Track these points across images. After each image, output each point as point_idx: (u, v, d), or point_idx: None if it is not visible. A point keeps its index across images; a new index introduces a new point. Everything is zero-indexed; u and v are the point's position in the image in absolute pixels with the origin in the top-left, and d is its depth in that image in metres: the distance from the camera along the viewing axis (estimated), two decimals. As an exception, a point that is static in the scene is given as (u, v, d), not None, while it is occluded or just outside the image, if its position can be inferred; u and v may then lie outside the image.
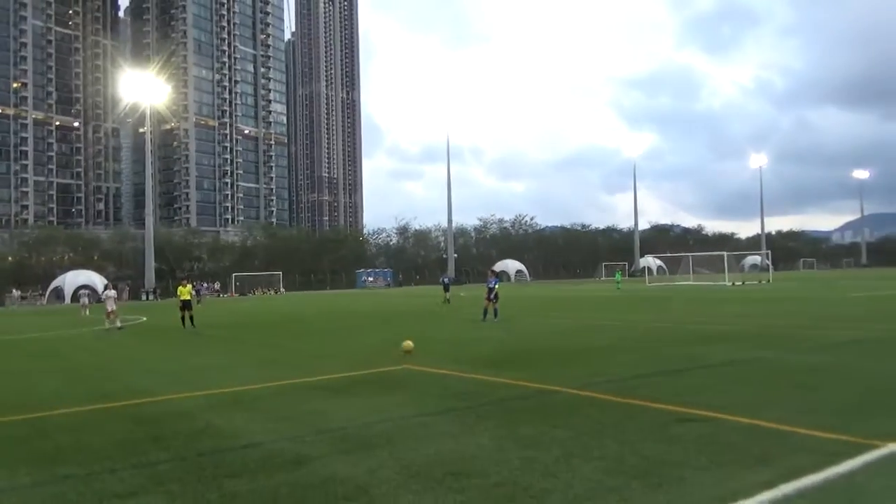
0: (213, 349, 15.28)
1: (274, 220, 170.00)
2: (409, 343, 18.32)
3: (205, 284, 76.80)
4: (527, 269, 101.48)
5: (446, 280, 33.45)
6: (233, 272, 78.90)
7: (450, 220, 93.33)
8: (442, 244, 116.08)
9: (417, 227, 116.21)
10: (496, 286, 20.83)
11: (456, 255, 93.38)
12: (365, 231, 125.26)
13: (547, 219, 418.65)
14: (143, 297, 64.30)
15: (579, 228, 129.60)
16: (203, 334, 19.53)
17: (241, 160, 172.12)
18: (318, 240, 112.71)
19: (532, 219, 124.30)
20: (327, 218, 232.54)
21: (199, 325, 21.72)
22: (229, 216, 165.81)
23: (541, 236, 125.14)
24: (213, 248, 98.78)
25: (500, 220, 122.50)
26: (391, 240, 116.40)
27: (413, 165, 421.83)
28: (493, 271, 22.48)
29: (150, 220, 71.34)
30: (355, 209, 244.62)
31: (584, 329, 17.43)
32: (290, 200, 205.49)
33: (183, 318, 21.73)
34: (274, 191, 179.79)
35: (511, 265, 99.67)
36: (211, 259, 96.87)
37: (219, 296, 72.71)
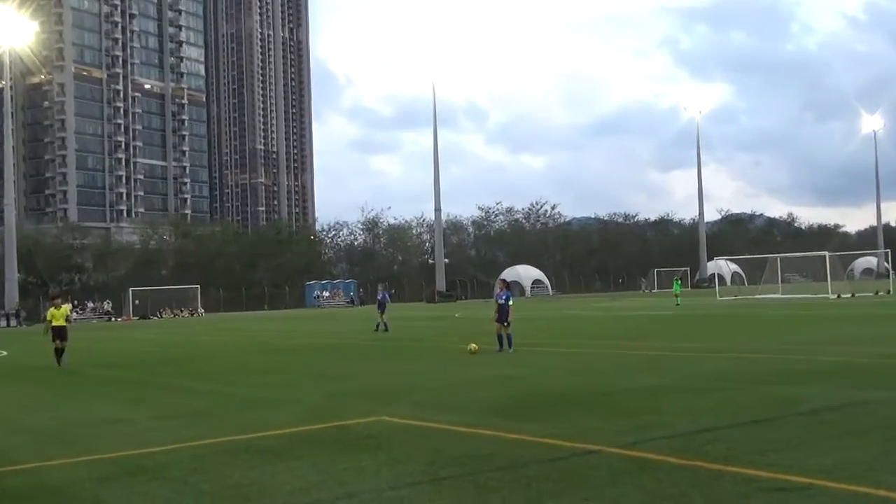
0: (104, 396, 15.24)
1: (188, 212, 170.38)
2: (474, 346, 18.80)
3: (89, 304, 76.89)
4: (547, 278, 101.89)
5: (382, 297, 33.55)
6: (129, 286, 78.84)
7: (437, 210, 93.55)
8: (427, 244, 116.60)
9: (392, 221, 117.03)
10: (509, 302, 20.93)
11: (447, 261, 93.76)
12: (318, 227, 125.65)
13: (576, 207, 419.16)
14: (3, 323, 64.03)
15: (621, 220, 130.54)
16: (85, 375, 19.44)
17: (140, 127, 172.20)
18: (252, 240, 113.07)
19: (554, 208, 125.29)
20: (264, 208, 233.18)
21: (73, 363, 21.64)
22: (124, 207, 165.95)
23: (567, 232, 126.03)
24: (101, 253, 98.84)
25: (510, 210, 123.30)
26: (355, 239, 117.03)
27: (385, 133, 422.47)
28: (503, 282, 22.58)
29: (10, 213, 71.20)
30: (304, 196, 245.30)
31: (630, 362, 17.48)
32: (212, 184, 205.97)
33: (57, 352, 21.67)
34: (187, 170, 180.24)
35: (525, 273, 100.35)
36: (99, 268, 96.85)
37: (110, 319, 72.60)
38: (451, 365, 18.41)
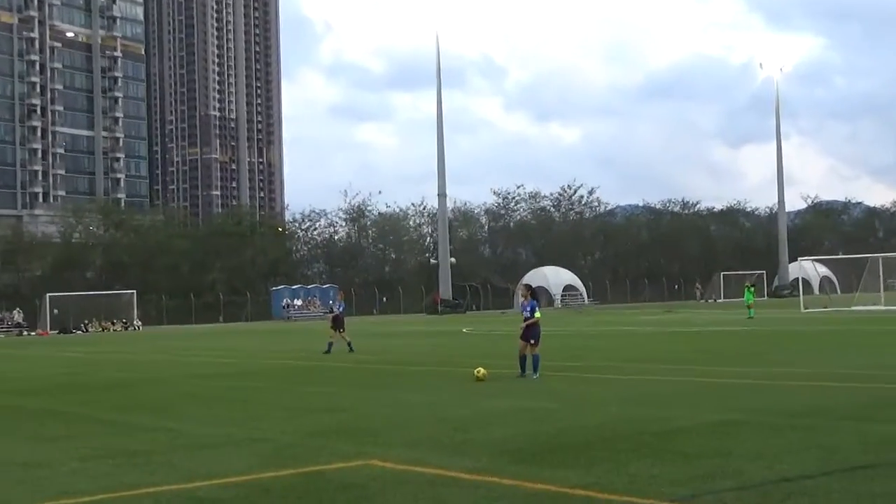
0: (14, 432, 15.24)
1: (122, 196, 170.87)
2: (482, 370, 19.59)
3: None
4: (583, 283, 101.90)
5: (340, 308, 33.39)
6: (46, 291, 79.08)
7: (442, 196, 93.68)
8: (428, 239, 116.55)
9: (383, 209, 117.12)
10: (536, 314, 20.93)
11: (454, 260, 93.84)
12: (289, 216, 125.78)
13: (619, 192, 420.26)
14: None
15: (677, 210, 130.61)
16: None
17: (60, 87, 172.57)
18: (204, 233, 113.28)
19: (592, 193, 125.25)
20: (219, 192, 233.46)
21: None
22: (39, 189, 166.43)
23: (608, 225, 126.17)
24: (10, 248, 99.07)
25: (535, 196, 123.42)
26: (336, 232, 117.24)
27: (374, 95, 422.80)
28: (528, 288, 22.52)
29: None
30: (270, 176, 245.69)
31: (689, 392, 17.44)
32: (153, 160, 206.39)
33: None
34: (121, 143, 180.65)
35: (554, 277, 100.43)
36: (7, 267, 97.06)
37: (21, 333, 72.79)
38: (458, 394, 18.41)
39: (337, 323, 32.81)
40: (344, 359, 29.86)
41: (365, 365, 27.37)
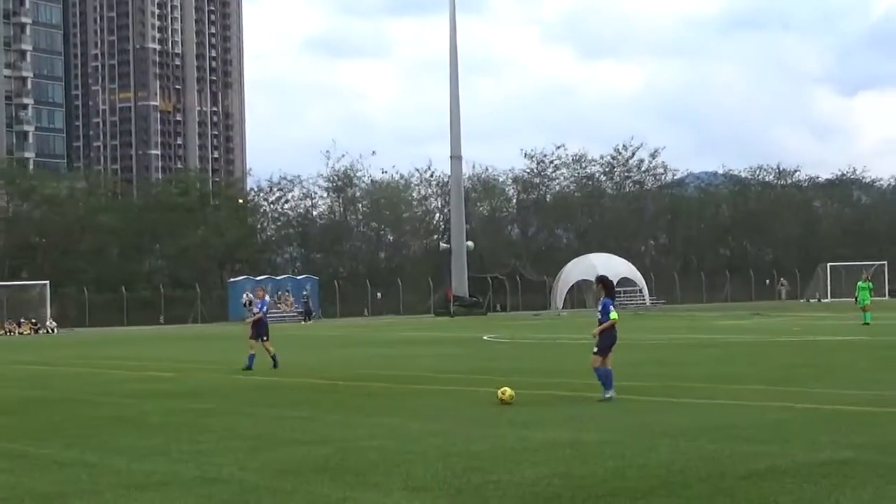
0: None
1: (30, 155, 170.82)
2: (508, 391, 20.38)
3: None
4: (643, 276, 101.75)
5: (262, 307, 33.68)
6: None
7: (456, 158, 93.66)
8: (437, 216, 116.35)
9: (377, 175, 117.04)
10: (611, 315, 20.90)
11: (471, 244, 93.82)
12: (252, 184, 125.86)
13: (692, 155, 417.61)
14: None
15: (769, 180, 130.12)
16: None
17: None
18: (140, 205, 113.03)
19: (655, 156, 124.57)
20: (159, 152, 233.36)
21: None
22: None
23: (677, 199, 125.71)
24: None
25: (580, 160, 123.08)
26: (314, 206, 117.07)
27: (366, 23, 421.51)
28: (600, 281, 22.36)
29: None
30: (227, 131, 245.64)
31: (786, 421, 17.47)
32: (71, 109, 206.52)
33: None
34: (30, 85, 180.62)
35: (604, 267, 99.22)
36: None
37: None
38: (475, 422, 18.44)
39: (259, 329, 32.92)
40: (322, 373, 29.89)
41: (350, 383, 27.41)
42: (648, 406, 20.35)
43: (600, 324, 21.03)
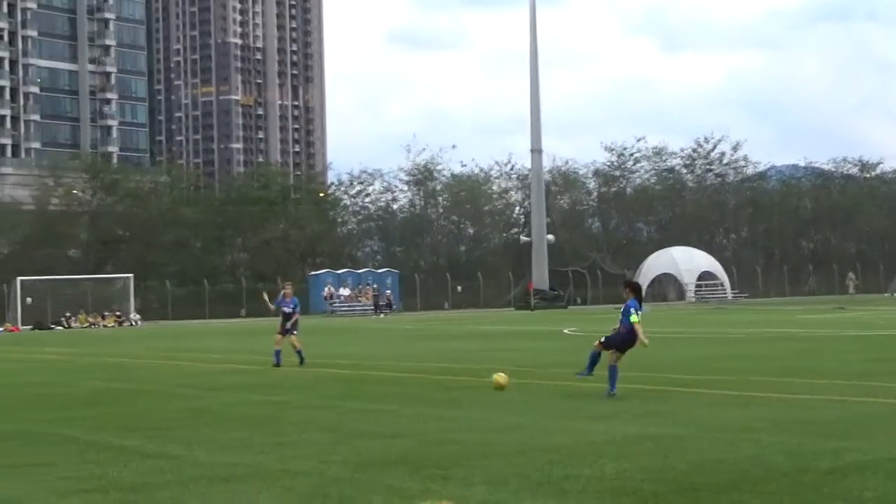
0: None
1: (114, 149, 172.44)
2: (502, 376, 20.67)
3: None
4: (725, 270, 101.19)
5: (292, 305, 33.16)
6: (16, 274, 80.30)
7: (536, 152, 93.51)
8: (518, 209, 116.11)
9: (457, 169, 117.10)
10: (632, 317, 20.80)
11: (552, 238, 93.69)
12: (333, 178, 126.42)
13: (774, 148, 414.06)
14: None
15: (854, 173, 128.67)
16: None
17: (34, 5, 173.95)
18: (222, 199, 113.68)
19: (737, 148, 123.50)
20: (241, 146, 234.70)
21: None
22: (7, 141, 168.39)
23: (759, 192, 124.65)
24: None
25: (661, 153, 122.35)
26: (395, 199, 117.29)
27: (445, 16, 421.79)
28: (628, 285, 22.31)
29: None
30: (308, 125, 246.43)
31: (866, 415, 17.29)
32: (154, 104, 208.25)
33: None
34: (113, 80, 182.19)
35: (685, 261, 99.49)
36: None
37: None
38: (554, 416, 18.46)
39: (290, 323, 32.59)
40: (400, 367, 29.97)
41: (430, 376, 27.48)
42: (728, 400, 20.25)
43: (621, 325, 21.03)
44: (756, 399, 20.39)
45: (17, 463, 14.82)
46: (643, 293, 22.25)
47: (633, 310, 21.00)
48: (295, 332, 32.26)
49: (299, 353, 31.37)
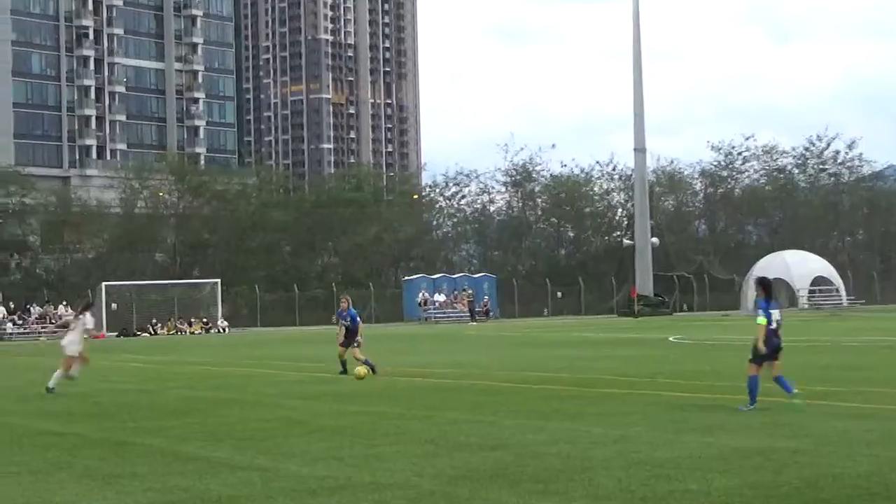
0: (58, 468, 15.73)
1: (201, 150, 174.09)
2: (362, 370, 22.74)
3: (34, 308, 79.43)
4: (840, 275, 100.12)
5: (352, 318, 33.22)
6: (100, 279, 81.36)
7: (640, 151, 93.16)
8: (620, 211, 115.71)
9: (557, 169, 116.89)
10: (759, 319, 20.58)
11: (656, 241, 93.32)
12: (427, 179, 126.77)
13: (893, 147, 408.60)
14: None
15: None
16: (22, 429, 20.18)
17: (119, 3, 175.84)
18: (312, 201, 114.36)
19: (853, 146, 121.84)
20: (331, 146, 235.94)
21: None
22: (92, 142, 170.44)
23: (876, 193, 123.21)
24: (53, 222, 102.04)
25: (771, 151, 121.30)
26: (492, 200, 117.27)
27: (543, 8, 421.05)
28: (761, 283, 21.86)
29: None
30: (402, 123, 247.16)
31: None
32: (242, 103, 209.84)
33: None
34: (201, 79, 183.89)
35: (798, 265, 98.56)
36: (50, 247, 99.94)
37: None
38: (658, 428, 18.39)
39: (350, 338, 32.74)
40: (498, 376, 29.99)
41: (530, 385, 27.47)
42: (843, 412, 20.07)
43: (770, 332, 20.58)
44: (873, 412, 20.19)
45: (104, 473, 15.00)
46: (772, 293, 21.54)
47: (760, 311, 20.65)
48: (357, 344, 32.40)
49: (366, 362, 31.46)
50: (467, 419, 20.68)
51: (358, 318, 32.95)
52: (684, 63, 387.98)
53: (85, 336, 29.28)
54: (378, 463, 15.23)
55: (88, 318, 29.81)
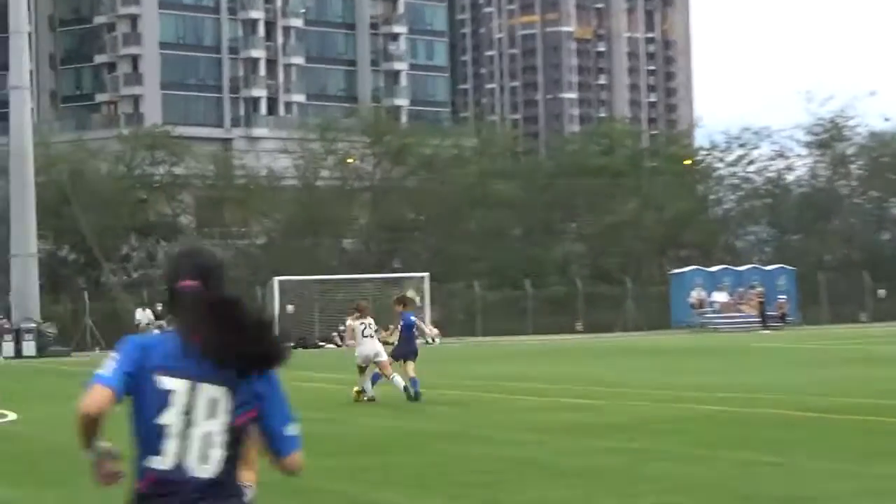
0: None
1: (403, 103, 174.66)
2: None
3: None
4: None
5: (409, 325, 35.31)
6: (271, 273, 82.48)
7: None
8: None
9: (878, 126, 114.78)
10: None
11: None
12: (702, 139, 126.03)
13: None
14: (10, 349, 69.34)
15: None
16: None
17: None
18: (550, 170, 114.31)
19: None
20: (575, 95, 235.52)
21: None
22: (260, 93, 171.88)
23: None
24: (210, 196, 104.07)
25: None
26: (791, 167, 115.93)
27: None
28: None
29: (23, 109, 75.93)
30: (668, 66, 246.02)
31: None
32: (457, 39, 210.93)
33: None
34: (400, 9, 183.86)
35: None
36: (206, 230, 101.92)
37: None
38: None
39: (403, 349, 35.23)
40: (804, 403, 29.77)
41: (846, 416, 27.29)
42: None
43: None
44: None
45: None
46: None
47: None
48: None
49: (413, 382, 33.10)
50: (759, 461, 20.66)
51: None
52: None
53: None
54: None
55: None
